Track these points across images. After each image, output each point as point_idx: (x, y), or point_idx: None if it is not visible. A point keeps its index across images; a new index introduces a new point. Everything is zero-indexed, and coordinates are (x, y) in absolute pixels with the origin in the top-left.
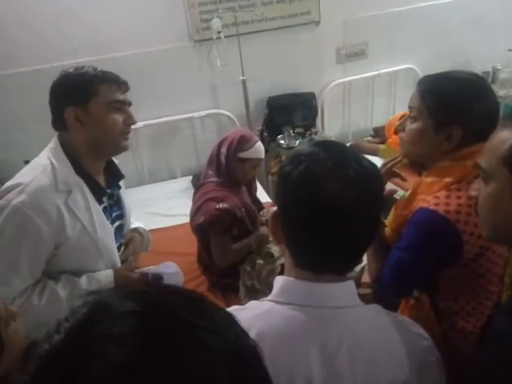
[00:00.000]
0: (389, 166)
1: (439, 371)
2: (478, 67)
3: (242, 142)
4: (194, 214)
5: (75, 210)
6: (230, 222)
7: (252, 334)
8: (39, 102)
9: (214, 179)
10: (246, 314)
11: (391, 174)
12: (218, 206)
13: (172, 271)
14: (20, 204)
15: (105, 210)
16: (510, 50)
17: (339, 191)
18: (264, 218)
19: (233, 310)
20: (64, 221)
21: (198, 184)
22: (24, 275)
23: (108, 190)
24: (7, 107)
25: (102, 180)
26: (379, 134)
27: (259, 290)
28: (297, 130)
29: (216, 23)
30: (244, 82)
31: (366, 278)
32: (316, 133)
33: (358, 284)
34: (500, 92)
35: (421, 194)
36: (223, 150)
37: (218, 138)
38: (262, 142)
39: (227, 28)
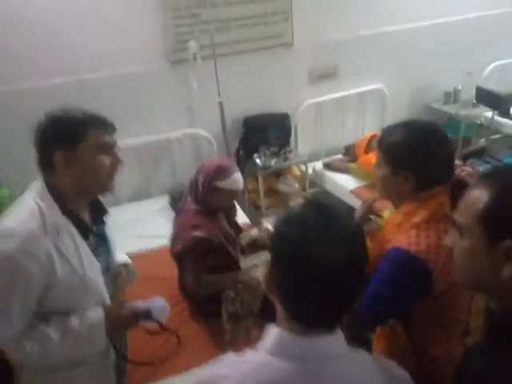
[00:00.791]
0: (366, 207)
1: None
2: (441, 88)
3: (219, 172)
4: (172, 242)
5: (64, 251)
6: (205, 251)
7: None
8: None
9: (192, 206)
10: (246, 366)
11: (369, 214)
12: (194, 234)
13: (159, 305)
14: (11, 251)
15: (91, 246)
16: (469, 73)
17: (328, 254)
18: (244, 241)
19: (232, 362)
20: (54, 263)
21: (176, 206)
22: (14, 321)
23: (93, 227)
24: None
25: (86, 216)
26: (350, 152)
27: (242, 316)
28: (272, 150)
29: (192, 45)
30: (221, 103)
31: None
32: (290, 151)
33: None
34: (461, 112)
35: (389, 233)
36: (200, 177)
37: (194, 158)
38: (238, 161)
39: (202, 50)
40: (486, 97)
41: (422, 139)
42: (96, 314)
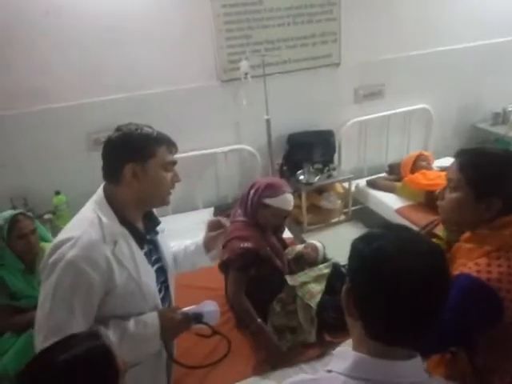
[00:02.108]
0: (428, 229)
1: None
2: (488, 108)
3: (269, 189)
4: (221, 252)
5: (122, 258)
6: (250, 261)
7: None
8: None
9: (241, 218)
10: None
11: (430, 236)
12: (242, 245)
13: (211, 309)
14: (74, 258)
15: (146, 254)
16: None
17: (413, 266)
18: (289, 257)
19: (302, 381)
20: (112, 270)
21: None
22: (78, 326)
23: (148, 236)
24: (41, 141)
25: (141, 226)
26: (394, 171)
27: (288, 330)
28: (316, 166)
29: (244, 65)
30: (268, 120)
31: None
32: (334, 169)
33: None
34: (508, 133)
35: (460, 258)
36: (251, 192)
37: (239, 173)
38: (281, 176)
39: (253, 69)
40: None
41: (509, 165)
42: (151, 317)
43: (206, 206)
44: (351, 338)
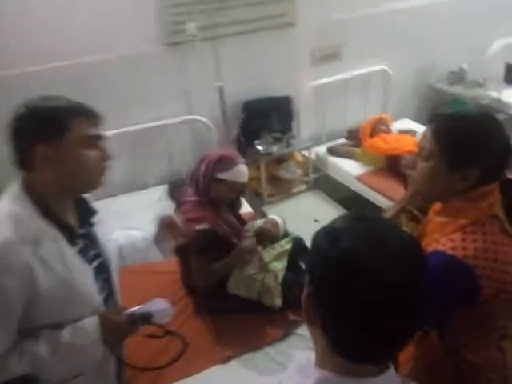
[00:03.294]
0: (398, 208)
1: None
2: (445, 67)
3: (221, 162)
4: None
5: (47, 259)
6: (209, 243)
7: None
8: None
9: (193, 198)
10: None
11: (405, 212)
12: (197, 228)
13: (161, 307)
14: None
15: (81, 251)
16: (475, 52)
17: (387, 270)
18: (248, 234)
19: None
20: (34, 274)
21: (174, 195)
22: None
23: (81, 230)
24: None
25: (72, 219)
26: (353, 136)
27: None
28: (274, 135)
29: (191, 27)
30: (221, 88)
31: None
32: (293, 137)
33: None
34: (467, 92)
35: (433, 233)
36: (202, 167)
37: (192, 146)
38: (238, 147)
39: (200, 31)
40: None
41: (486, 127)
42: (90, 323)
43: (158, 184)
44: (315, 351)
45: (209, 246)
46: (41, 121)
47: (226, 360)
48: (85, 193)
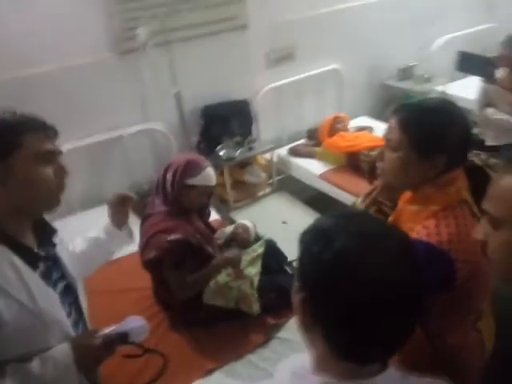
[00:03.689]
0: (372, 197)
1: None
2: (395, 65)
3: (190, 168)
4: (143, 249)
5: (7, 288)
6: (183, 253)
7: None
8: None
9: (161, 208)
10: None
11: (376, 204)
12: (169, 239)
13: (136, 325)
14: None
15: (43, 275)
16: (420, 48)
17: (385, 269)
18: (219, 241)
19: None
20: None
21: (137, 208)
22: None
23: (41, 252)
24: None
25: (31, 241)
26: (313, 136)
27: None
28: (235, 140)
29: (142, 33)
30: (178, 94)
31: None
32: (254, 140)
33: None
34: (416, 87)
35: (407, 222)
36: (168, 176)
37: (151, 156)
38: (199, 154)
39: (152, 37)
40: (469, 61)
41: (449, 116)
42: (61, 351)
43: None
44: (311, 356)
45: (184, 257)
46: None
47: (208, 373)
48: (41, 213)
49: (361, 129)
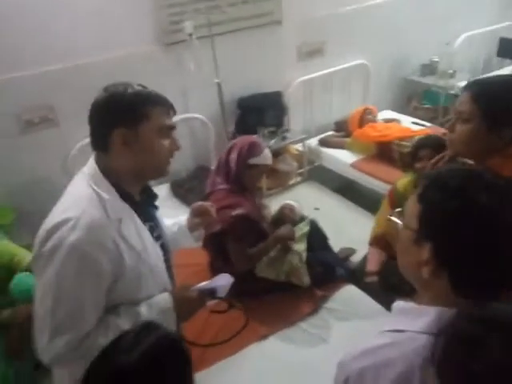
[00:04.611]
0: (440, 165)
1: None
2: (417, 60)
3: (253, 149)
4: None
5: (129, 238)
6: (247, 228)
7: (418, 372)
8: None
9: (223, 186)
10: (399, 349)
11: None
12: (234, 213)
13: (224, 283)
14: (76, 241)
15: (149, 231)
16: (447, 44)
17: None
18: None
19: (376, 346)
20: (121, 252)
21: (178, 192)
22: (89, 318)
23: (148, 213)
24: None
25: (140, 201)
26: (342, 127)
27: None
28: (269, 129)
29: (188, 25)
30: (219, 84)
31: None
32: (287, 130)
33: (363, 273)
34: (440, 82)
35: None
36: (233, 156)
37: (191, 143)
38: None
39: (196, 29)
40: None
41: None
42: (164, 300)
43: (159, 183)
44: (421, 296)
45: (246, 231)
46: (123, 106)
47: (263, 338)
48: (153, 179)
49: (389, 120)
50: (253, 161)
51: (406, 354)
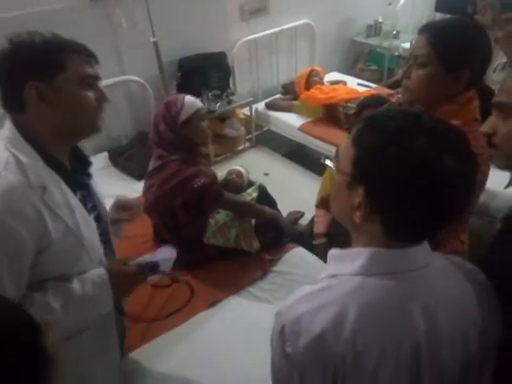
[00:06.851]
0: None
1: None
2: (363, 21)
3: (172, 107)
4: (162, 195)
5: (54, 207)
6: (217, 190)
7: (352, 313)
8: None
9: (174, 157)
10: (333, 293)
11: None
12: (195, 186)
13: (166, 256)
14: None
15: (80, 202)
16: (389, 4)
17: (446, 154)
18: None
19: (310, 292)
20: (45, 222)
21: (117, 161)
22: (9, 290)
23: (79, 180)
24: None
25: (68, 167)
26: (289, 90)
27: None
28: (213, 92)
29: None
30: (156, 43)
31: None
32: (232, 93)
33: (311, 235)
34: (384, 43)
35: None
36: (162, 129)
37: (129, 108)
38: None
39: None
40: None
41: (479, 36)
42: (98, 274)
43: (96, 152)
44: (356, 240)
45: (218, 192)
46: (34, 56)
47: (211, 305)
48: (83, 137)
49: (335, 82)
50: (182, 117)
51: (339, 297)
